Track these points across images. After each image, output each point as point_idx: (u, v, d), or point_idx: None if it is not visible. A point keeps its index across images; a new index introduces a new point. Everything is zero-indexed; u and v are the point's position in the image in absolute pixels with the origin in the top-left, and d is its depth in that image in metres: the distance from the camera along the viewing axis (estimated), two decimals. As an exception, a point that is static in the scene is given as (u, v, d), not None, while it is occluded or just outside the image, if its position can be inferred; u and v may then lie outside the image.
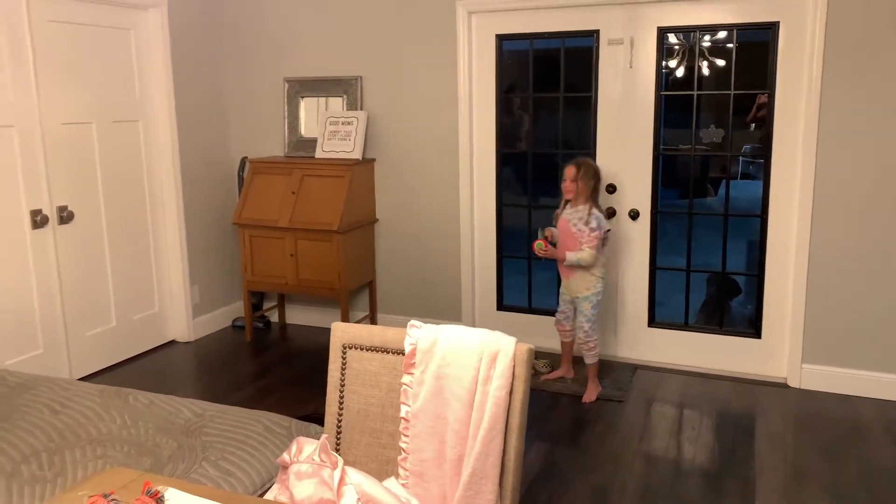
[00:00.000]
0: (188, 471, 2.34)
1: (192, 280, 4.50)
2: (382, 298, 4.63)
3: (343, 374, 1.84)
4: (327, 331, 4.51)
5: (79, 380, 3.71)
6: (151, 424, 2.66)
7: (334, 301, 4.58)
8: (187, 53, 4.37)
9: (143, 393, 2.91)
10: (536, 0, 3.99)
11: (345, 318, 4.32)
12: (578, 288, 3.65)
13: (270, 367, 4.15)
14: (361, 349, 1.82)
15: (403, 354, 1.78)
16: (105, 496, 1.56)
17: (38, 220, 3.58)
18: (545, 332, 4.11)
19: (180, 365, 4.21)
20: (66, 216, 3.72)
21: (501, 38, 4.18)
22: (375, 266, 4.61)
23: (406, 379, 1.75)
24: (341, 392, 1.83)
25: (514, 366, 1.66)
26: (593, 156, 4.03)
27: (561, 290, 3.79)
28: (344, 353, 1.84)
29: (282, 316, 4.87)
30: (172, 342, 4.47)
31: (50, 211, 3.65)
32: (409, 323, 1.79)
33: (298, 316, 4.85)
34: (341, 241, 4.21)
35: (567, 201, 3.66)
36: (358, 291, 4.61)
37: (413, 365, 1.75)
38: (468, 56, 4.20)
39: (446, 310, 4.41)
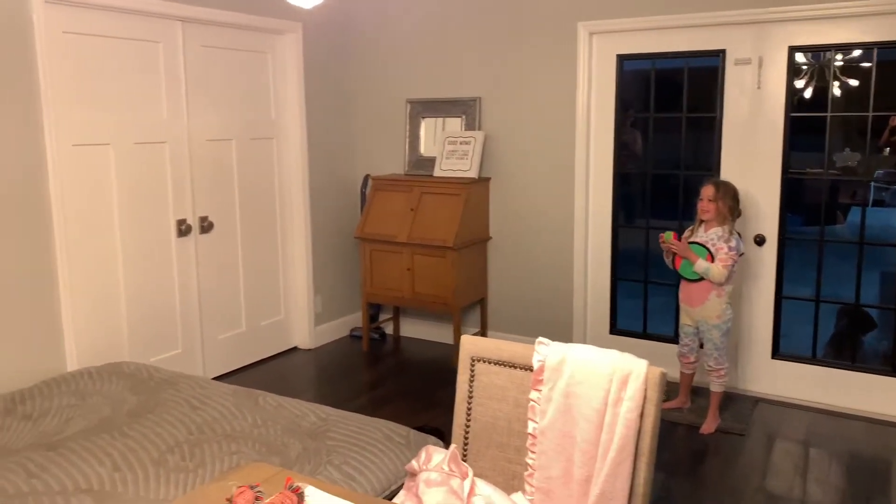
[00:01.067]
0: (314, 472, 2.46)
1: (316, 290, 4.72)
2: (493, 316, 4.68)
3: (471, 387, 1.89)
4: (439, 344, 4.69)
5: (212, 379, 3.97)
6: (280, 426, 2.81)
7: (447, 316, 4.66)
8: (319, 75, 4.63)
9: (271, 395, 3.08)
10: (660, 20, 3.95)
11: (457, 334, 4.39)
12: (709, 315, 3.51)
13: (385, 377, 4.28)
14: (489, 363, 1.86)
15: (531, 370, 1.81)
16: (252, 487, 1.68)
17: (183, 228, 3.89)
18: (660, 359, 3.99)
19: (302, 371, 4.42)
20: (206, 226, 4.02)
21: (622, 59, 4.16)
22: (487, 283, 4.66)
23: (534, 395, 1.78)
24: (469, 404, 1.88)
25: (645, 389, 1.65)
26: (717, 177, 3.92)
27: (682, 322, 3.65)
28: (472, 366, 1.89)
29: (396, 328, 5.02)
30: (295, 349, 4.71)
31: (193, 221, 3.95)
32: (537, 339, 1.82)
33: (412, 329, 4.98)
34: (456, 257, 4.30)
35: (701, 222, 3.57)
36: (470, 308, 4.68)
37: (541, 382, 1.77)
38: (588, 76, 4.21)
39: (557, 330, 4.40)
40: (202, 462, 2.51)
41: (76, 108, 3.34)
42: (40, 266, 3.21)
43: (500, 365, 1.85)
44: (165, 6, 3.63)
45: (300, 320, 4.69)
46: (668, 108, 4.17)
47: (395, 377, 4.26)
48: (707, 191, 3.51)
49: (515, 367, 1.83)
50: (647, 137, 4.28)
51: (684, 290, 3.60)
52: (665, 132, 4.25)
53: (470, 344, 1.90)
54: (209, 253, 4.07)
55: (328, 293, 4.84)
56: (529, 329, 4.46)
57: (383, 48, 4.84)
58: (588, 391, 1.71)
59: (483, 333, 4.67)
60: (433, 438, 2.86)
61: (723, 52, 3.88)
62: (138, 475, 2.40)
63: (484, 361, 1.87)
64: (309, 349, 4.70)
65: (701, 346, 3.63)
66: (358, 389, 4.08)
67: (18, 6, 3.05)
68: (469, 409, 1.88)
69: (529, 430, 1.78)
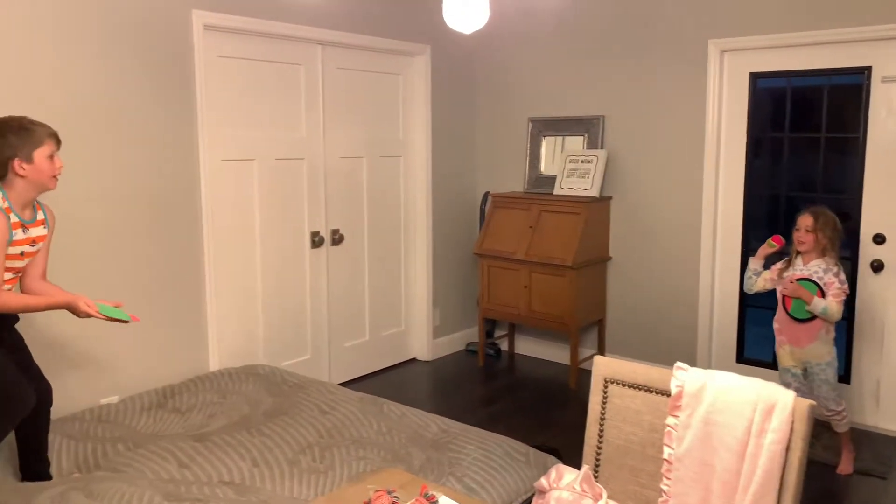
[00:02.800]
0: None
1: (434, 303, 4.84)
2: (611, 338, 4.61)
3: (603, 408, 1.88)
4: (555, 364, 4.67)
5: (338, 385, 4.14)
6: (404, 434, 2.90)
7: (563, 335, 4.64)
8: (444, 95, 4.76)
9: (395, 404, 3.18)
10: (798, 37, 3.79)
11: (574, 354, 4.36)
12: (819, 354, 3.25)
13: (500, 394, 4.31)
14: (624, 385, 1.85)
15: (667, 395, 1.78)
16: (389, 492, 1.75)
17: (316, 240, 4.10)
18: (792, 390, 3.80)
19: (420, 382, 4.52)
20: (337, 238, 4.22)
21: (756, 77, 4.01)
22: (606, 304, 4.60)
23: (671, 421, 1.75)
24: (601, 425, 1.88)
25: (792, 421, 1.59)
26: (858, 202, 3.70)
27: (785, 365, 3.35)
28: (605, 388, 1.89)
29: (511, 345, 5.04)
30: (413, 360, 4.83)
31: (325, 233, 4.16)
32: (675, 364, 1.80)
33: (527, 346, 4.99)
34: (575, 276, 4.27)
35: (798, 253, 3.33)
36: (587, 328, 4.63)
37: (679, 407, 1.74)
38: (718, 94, 4.09)
39: (679, 355, 4.26)
40: (332, 465, 2.63)
41: (226, 126, 3.61)
42: (190, 272, 3.48)
43: (634, 388, 1.83)
44: (309, 31, 3.86)
45: (419, 332, 4.82)
46: (805, 128, 3.98)
47: (510, 394, 4.27)
48: (805, 220, 3.26)
49: (651, 391, 1.81)
50: (781, 158, 4.10)
51: (789, 329, 3.30)
52: (801, 153, 4.05)
53: (604, 365, 1.90)
54: (339, 264, 4.26)
55: (446, 307, 4.94)
56: (649, 353, 4.36)
57: (507, 68, 4.92)
58: (730, 420, 1.66)
59: (601, 355, 4.60)
60: (552, 458, 2.85)
61: (868, 69, 3.66)
62: (274, 472, 2.55)
63: (618, 384, 1.86)
64: (427, 361, 4.81)
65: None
66: (474, 404, 4.13)
67: (182, 33, 3.35)
68: (601, 430, 1.88)
69: (665, 455, 1.75)
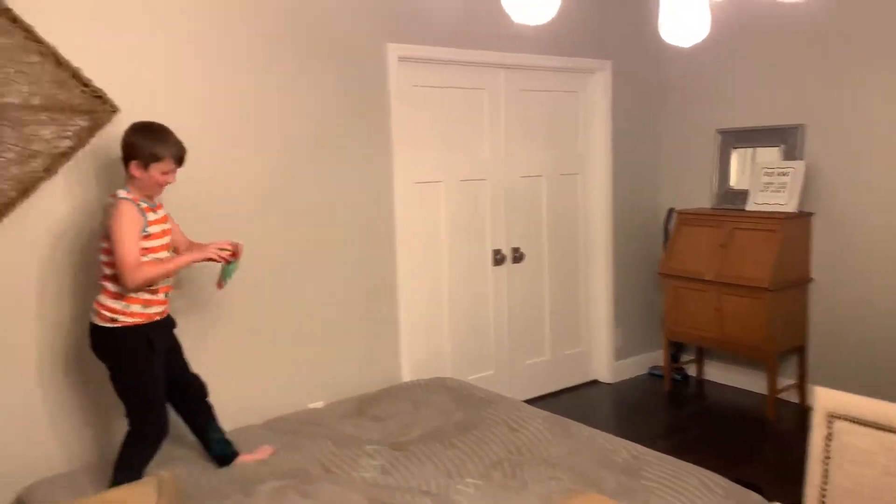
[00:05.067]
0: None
1: (616, 323, 4.73)
2: (815, 366, 4.23)
3: (828, 446, 1.74)
4: (748, 393, 4.39)
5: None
6: (593, 457, 2.85)
7: (758, 362, 4.34)
8: (626, 109, 4.68)
9: (583, 426, 3.14)
10: None
11: (772, 383, 4.06)
12: None
13: (688, 422, 4.11)
14: (853, 422, 1.70)
15: (907, 436, 1.61)
16: (594, 517, 1.73)
17: (498, 258, 4.18)
18: None
19: (602, 404, 4.43)
20: (518, 256, 4.28)
21: None
22: (808, 329, 4.24)
23: (913, 465, 1.58)
24: (825, 465, 1.73)
25: None
26: None
27: None
28: (830, 424, 1.74)
29: (699, 370, 4.79)
30: (595, 381, 4.75)
31: (506, 251, 4.23)
32: (917, 402, 1.62)
33: (716, 373, 4.72)
34: (772, 299, 3.98)
35: None
36: (785, 355, 4.29)
37: (923, 450, 1.57)
38: (946, 99, 3.65)
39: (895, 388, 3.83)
40: (524, 483, 2.64)
41: (416, 150, 3.80)
42: (385, 286, 3.70)
43: (867, 426, 1.67)
44: (494, 56, 3.98)
45: (601, 353, 4.73)
46: None
47: (700, 423, 4.06)
48: None
49: (887, 431, 1.64)
50: None
51: None
52: None
53: (828, 398, 1.76)
54: (519, 282, 4.31)
55: (628, 328, 4.81)
56: (860, 385, 3.95)
57: (692, 77, 4.72)
58: None
59: (801, 385, 4.25)
60: (756, 496, 2.67)
61: None
62: (469, 486, 2.62)
63: (845, 419, 1.71)
64: (608, 383, 4.71)
65: None
66: (661, 431, 3.97)
67: (379, 65, 3.58)
68: (826, 470, 1.73)
69: (906, 503, 1.58)
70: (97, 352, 2.53)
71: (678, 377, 4.71)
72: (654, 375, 4.82)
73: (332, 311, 3.50)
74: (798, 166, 4.15)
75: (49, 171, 2.66)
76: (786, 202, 4.15)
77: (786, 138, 4.29)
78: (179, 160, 2.52)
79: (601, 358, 4.73)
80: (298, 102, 3.35)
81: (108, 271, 2.46)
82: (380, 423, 3.16)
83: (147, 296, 2.49)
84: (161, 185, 2.52)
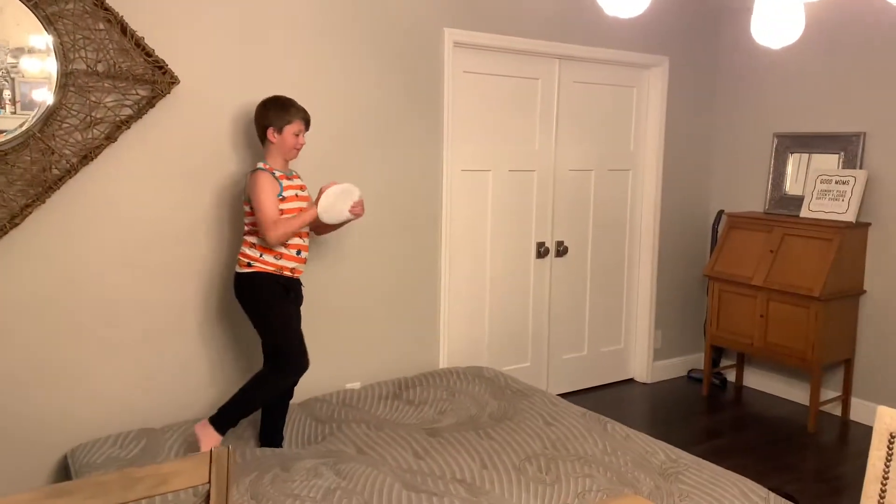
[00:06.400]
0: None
1: (657, 324, 4.66)
2: (861, 380, 4.11)
3: (887, 466, 1.68)
4: (789, 402, 4.30)
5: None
6: (629, 457, 2.82)
7: (801, 372, 4.24)
8: (681, 107, 4.58)
9: (619, 424, 3.10)
10: None
11: (815, 394, 3.96)
12: None
13: (725, 427, 4.03)
14: (913, 442, 1.64)
15: (970, 461, 1.54)
16: (635, 518, 1.71)
17: (542, 251, 4.14)
18: None
19: (638, 404, 4.38)
20: (562, 250, 4.23)
21: None
22: (856, 342, 4.12)
23: (976, 491, 1.52)
24: (883, 486, 1.68)
25: None
26: None
27: None
28: (891, 443, 1.68)
29: (739, 376, 4.70)
30: (631, 380, 4.69)
31: (551, 244, 4.19)
32: (984, 427, 1.55)
33: (757, 380, 4.62)
34: (821, 308, 3.88)
35: None
36: (830, 367, 4.18)
37: None
38: None
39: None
40: (558, 478, 2.63)
41: (467, 137, 3.78)
42: (428, 273, 3.69)
43: (928, 446, 1.61)
44: (550, 46, 3.92)
45: (639, 353, 4.67)
46: None
47: (738, 430, 3.98)
48: None
49: (949, 453, 1.58)
50: None
51: None
52: None
53: (890, 417, 1.69)
54: (561, 276, 4.27)
55: (669, 329, 4.74)
56: (908, 402, 3.83)
57: (750, 79, 4.60)
58: None
59: (846, 398, 4.13)
60: (791, 504, 2.61)
61: None
62: (503, 477, 2.61)
63: (905, 439, 1.65)
64: (645, 383, 4.65)
65: None
66: (697, 435, 3.91)
67: (435, 50, 3.56)
68: (883, 491, 1.68)
69: (965, 529, 1.52)
70: (239, 298, 2.81)
71: (717, 382, 4.62)
72: (692, 379, 4.74)
73: (374, 294, 3.51)
74: (858, 175, 4.02)
75: (109, 138, 2.71)
76: (844, 211, 4.02)
77: (845, 146, 4.16)
78: (307, 122, 2.85)
79: (639, 357, 4.67)
80: (358, 85, 3.35)
81: (247, 227, 2.81)
82: (414, 408, 3.17)
83: (281, 248, 2.78)
84: (296, 148, 2.83)
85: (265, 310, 2.76)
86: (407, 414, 3.11)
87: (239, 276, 2.79)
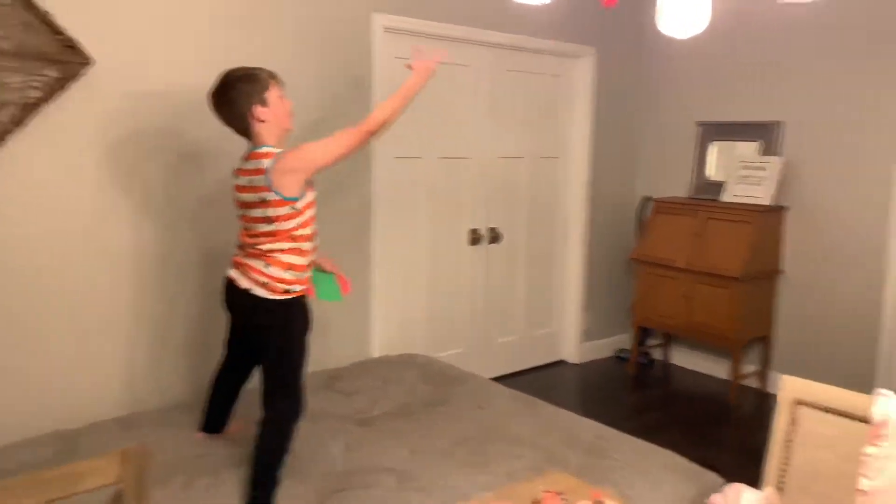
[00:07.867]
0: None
1: (586, 307, 4.77)
2: (778, 355, 4.32)
3: (791, 431, 1.77)
4: (712, 378, 4.47)
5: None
6: (558, 436, 2.87)
7: (723, 350, 4.41)
8: (608, 97, 4.68)
9: (550, 405, 3.16)
10: None
11: (736, 370, 4.14)
12: None
13: (652, 404, 4.17)
14: (816, 408, 1.74)
15: (865, 422, 1.64)
16: (559, 493, 1.75)
17: (475, 237, 4.18)
18: None
19: (568, 385, 4.48)
20: (495, 237, 4.28)
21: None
22: (774, 320, 4.32)
23: (871, 450, 1.61)
24: (787, 449, 1.77)
25: None
26: None
27: None
28: (794, 410, 1.77)
29: (666, 355, 4.86)
30: (561, 362, 4.79)
31: (484, 231, 4.23)
32: (878, 390, 1.65)
33: (682, 358, 4.79)
34: (741, 289, 4.04)
35: None
36: (750, 344, 4.37)
37: (881, 437, 1.60)
38: (921, 100, 3.71)
39: (854, 378, 3.92)
40: (487, 460, 2.65)
41: (398, 125, 3.75)
42: (359, 261, 3.66)
43: (829, 412, 1.71)
44: (482, 34, 3.94)
45: (569, 335, 4.77)
46: None
47: (664, 406, 4.12)
48: None
49: (848, 418, 1.68)
50: None
51: None
52: None
53: (793, 386, 1.79)
54: (495, 262, 4.31)
55: (597, 311, 4.86)
56: (819, 374, 4.01)
57: (675, 69, 4.74)
58: (945, 457, 1.51)
59: (763, 373, 4.33)
60: (714, 475, 2.72)
61: None
62: (432, 462, 2.62)
63: (810, 406, 1.75)
64: (575, 364, 4.76)
65: None
66: (625, 412, 4.03)
67: (363, 35, 3.52)
68: (787, 453, 1.77)
69: (862, 486, 1.62)
70: (264, 326, 2.33)
71: (644, 361, 4.77)
72: (620, 358, 4.88)
73: (304, 281, 3.47)
74: (775, 162, 4.20)
75: (18, 122, 2.58)
76: (762, 195, 4.20)
77: (765, 134, 4.33)
78: (278, 78, 2.39)
79: (569, 339, 4.77)
80: (286, 71, 3.23)
81: (265, 241, 2.29)
82: (346, 398, 3.14)
83: (303, 260, 2.36)
84: (289, 113, 2.39)
85: (297, 345, 2.37)
86: (338, 404, 3.08)
87: (269, 301, 2.30)
